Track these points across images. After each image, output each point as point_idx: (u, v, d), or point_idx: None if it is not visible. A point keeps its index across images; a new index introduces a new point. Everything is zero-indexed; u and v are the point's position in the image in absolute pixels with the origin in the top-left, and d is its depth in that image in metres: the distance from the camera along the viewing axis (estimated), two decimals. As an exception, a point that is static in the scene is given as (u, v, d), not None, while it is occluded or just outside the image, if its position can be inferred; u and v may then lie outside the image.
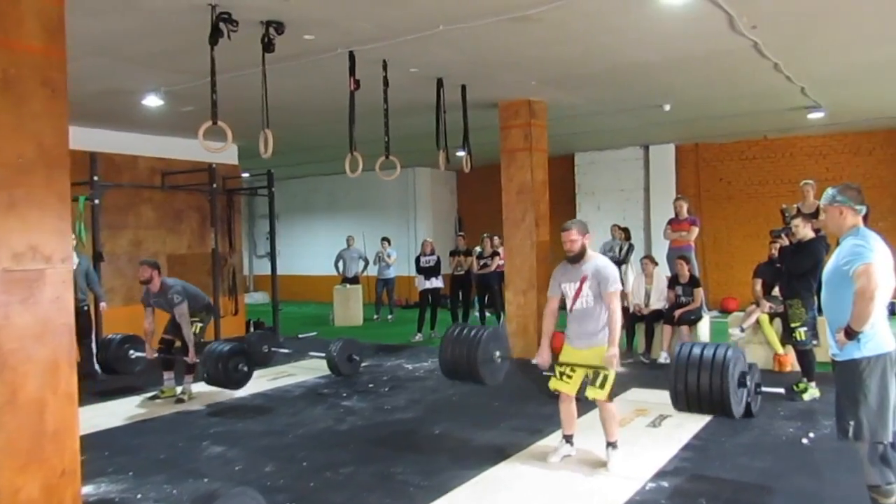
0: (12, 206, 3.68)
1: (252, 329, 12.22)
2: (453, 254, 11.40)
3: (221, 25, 5.13)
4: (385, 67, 6.58)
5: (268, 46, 5.41)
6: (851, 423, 3.20)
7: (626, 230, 10.87)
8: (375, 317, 13.59)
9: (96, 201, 8.75)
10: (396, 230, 16.02)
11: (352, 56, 6.16)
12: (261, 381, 7.86)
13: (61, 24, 3.89)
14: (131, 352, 7.46)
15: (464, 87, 7.74)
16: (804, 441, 5.22)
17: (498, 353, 5.32)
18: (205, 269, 10.78)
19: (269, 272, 11.66)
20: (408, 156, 10.09)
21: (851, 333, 3.16)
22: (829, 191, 3.42)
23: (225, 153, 12.22)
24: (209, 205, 10.68)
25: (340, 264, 13.52)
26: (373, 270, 13.83)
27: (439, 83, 7.35)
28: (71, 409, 3.77)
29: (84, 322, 8.07)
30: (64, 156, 3.89)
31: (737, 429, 5.38)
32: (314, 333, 11.68)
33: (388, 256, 13.55)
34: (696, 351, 4.69)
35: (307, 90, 7.71)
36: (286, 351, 9.18)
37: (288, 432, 5.86)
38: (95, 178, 8.70)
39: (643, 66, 7.17)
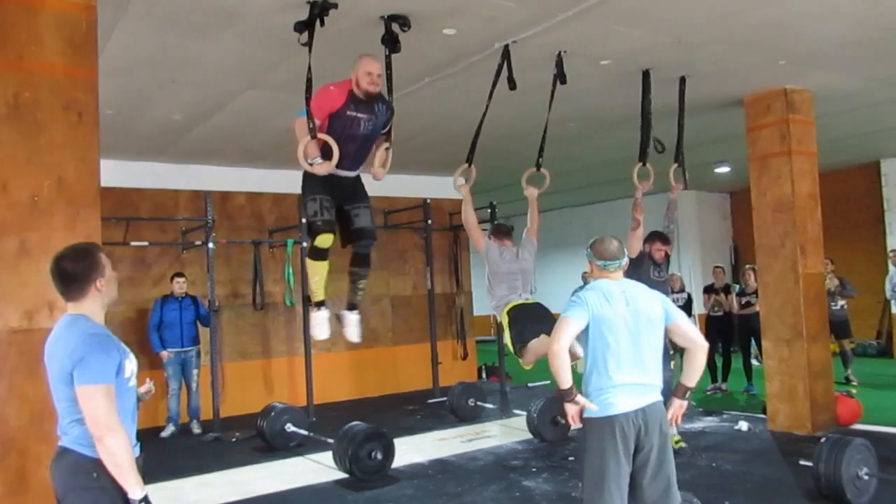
0: (24, 254, 3.11)
1: (485, 375, 11.42)
2: (707, 290, 9.34)
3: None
4: (560, 64, 5.23)
5: (393, 45, 4.45)
6: (580, 484, 3.00)
7: None
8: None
9: (304, 244, 8.59)
10: (657, 263, 14.09)
11: (506, 52, 4.94)
12: (453, 443, 6.84)
13: (90, 36, 3.29)
14: (289, 425, 6.83)
15: (682, 80, 6.02)
16: None
17: None
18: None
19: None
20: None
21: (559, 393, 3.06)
22: None
23: (450, 188, 11.73)
24: (425, 243, 10.08)
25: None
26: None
27: (645, 76, 5.77)
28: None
29: None
30: (91, 191, 3.24)
31: None
32: (545, 383, 10.37)
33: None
34: None
35: (506, 106, 6.49)
36: (492, 406, 8.05)
37: (435, 523, 4.70)
38: (303, 220, 8.54)
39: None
